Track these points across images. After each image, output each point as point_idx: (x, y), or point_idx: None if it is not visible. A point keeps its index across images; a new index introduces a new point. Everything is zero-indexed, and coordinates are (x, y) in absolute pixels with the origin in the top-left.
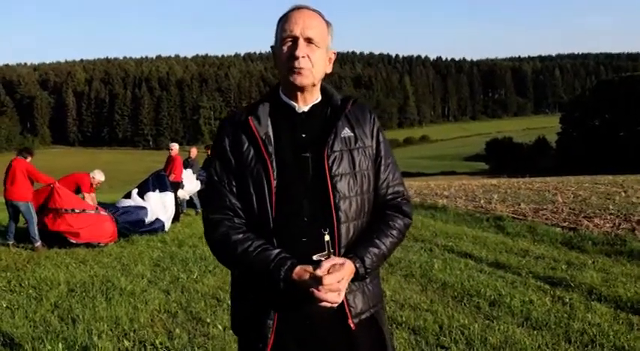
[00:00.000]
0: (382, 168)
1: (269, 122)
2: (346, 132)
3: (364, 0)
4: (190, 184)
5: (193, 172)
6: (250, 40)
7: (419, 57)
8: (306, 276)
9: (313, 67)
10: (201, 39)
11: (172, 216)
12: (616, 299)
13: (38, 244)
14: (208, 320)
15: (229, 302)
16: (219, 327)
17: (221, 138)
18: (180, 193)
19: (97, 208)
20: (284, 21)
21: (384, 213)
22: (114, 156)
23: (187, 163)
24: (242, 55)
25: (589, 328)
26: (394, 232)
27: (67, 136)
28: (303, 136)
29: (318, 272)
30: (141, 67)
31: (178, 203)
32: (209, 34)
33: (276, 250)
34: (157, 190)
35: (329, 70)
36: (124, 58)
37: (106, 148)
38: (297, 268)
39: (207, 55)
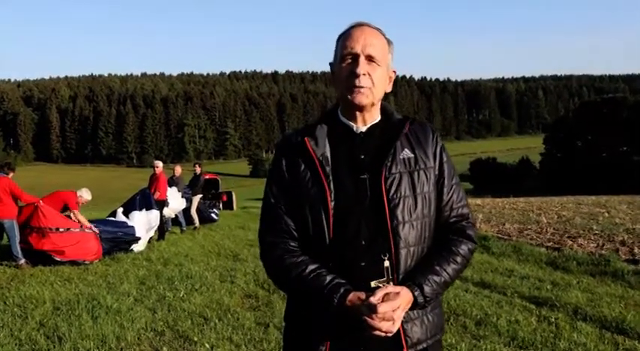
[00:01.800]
0: (445, 189)
1: (327, 143)
2: (406, 153)
3: (347, 19)
4: (175, 202)
5: (178, 190)
6: (235, 59)
7: (404, 77)
8: (360, 303)
9: (374, 86)
10: (186, 57)
11: (153, 232)
12: (601, 319)
13: (22, 261)
14: (196, 339)
15: (216, 321)
16: (207, 346)
17: (278, 159)
18: (166, 211)
19: (81, 226)
20: (344, 38)
21: (447, 237)
22: (97, 173)
23: (172, 181)
24: (227, 73)
25: (575, 348)
26: (457, 258)
27: (50, 152)
28: (362, 157)
29: (372, 300)
30: (126, 85)
31: (164, 221)
32: (194, 52)
33: (330, 276)
34: (144, 209)
35: (389, 89)
36: (109, 75)
37: (89, 165)
38: (351, 295)
39: (192, 73)
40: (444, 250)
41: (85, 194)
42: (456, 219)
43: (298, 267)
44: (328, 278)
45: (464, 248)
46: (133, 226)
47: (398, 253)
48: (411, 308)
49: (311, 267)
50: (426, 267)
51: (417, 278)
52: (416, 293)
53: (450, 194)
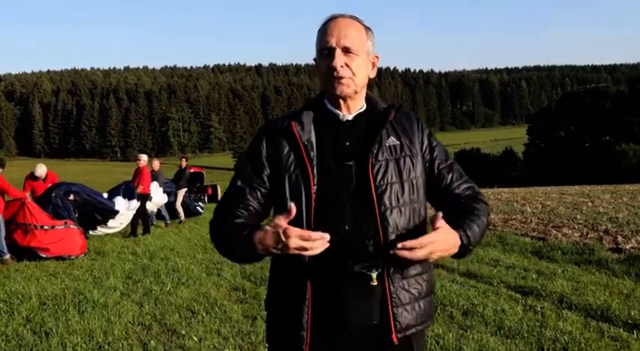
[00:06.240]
0: (446, 170)
1: (312, 129)
2: (392, 141)
3: (331, 11)
4: (157, 196)
5: (159, 185)
6: (219, 52)
7: (387, 68)
8: (269, 231)
9: (354, 75)
10: (169, 50)
11: (131, 215)
12: (586, 307)
13: (7, 257)
14: (183, 332)
15: (203, 314)
16: (195, 338)
17: (258, 141)
18: (149, 205)
19: (65, 223)
20: (320, 33)
21: (461, 200)
22: (81, 167)
23: (152, 176)
24: (211, 66)
25: (561, 336)
26: (481, 208)
27: (33, 147)
28: (347, 144)
29: (278, 221)
30: (109, 78)
31: (148, 215)
32: (178, 45)
33: (246, 227)
34: (126, 198)
35: (372, 74)
36: (92, 68)
37: (72, 159)
38: (257, 233)
39: (175, 66)
40: (466, 203)
41: (39, 170)
42: (465, 190)
43: (226, 223)
44: (243, 228)
45: (483, 205)
46: (113, 202)
47: (387, 238)
48: (456, 255)
49: (235, 222)
50: (457, 216)
51: (458, 223)
52: (460, 233)
53: (452, 173)
